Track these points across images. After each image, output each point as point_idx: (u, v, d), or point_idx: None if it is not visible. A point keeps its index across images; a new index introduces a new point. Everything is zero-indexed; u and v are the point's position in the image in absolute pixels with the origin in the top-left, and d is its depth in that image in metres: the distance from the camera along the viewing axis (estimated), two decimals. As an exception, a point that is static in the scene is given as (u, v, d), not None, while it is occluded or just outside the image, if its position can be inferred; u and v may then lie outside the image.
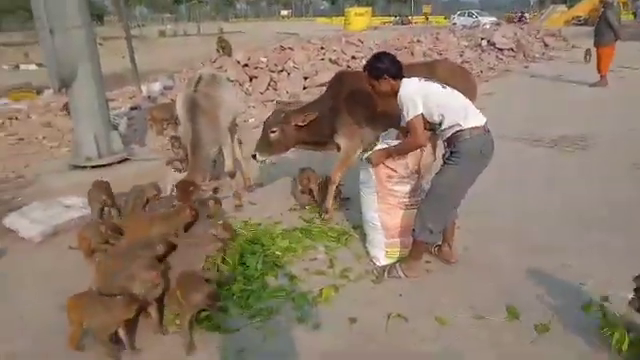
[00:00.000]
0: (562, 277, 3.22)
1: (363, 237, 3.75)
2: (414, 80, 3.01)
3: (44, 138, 6.79)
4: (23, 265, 3.63)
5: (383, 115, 3.81)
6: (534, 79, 11.99)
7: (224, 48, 11.13)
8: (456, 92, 3.03)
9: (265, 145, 4.01)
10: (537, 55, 16.21)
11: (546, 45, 18.31)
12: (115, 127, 5.37)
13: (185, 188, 3.70)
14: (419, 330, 2.76)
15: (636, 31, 20.47)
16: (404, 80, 3.01)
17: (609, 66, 10.40)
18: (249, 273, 3.29)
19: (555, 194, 4.62)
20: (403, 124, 3.14)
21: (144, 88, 10.09)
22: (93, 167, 4.91)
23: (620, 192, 4.59)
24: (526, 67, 13.96)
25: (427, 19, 44.65)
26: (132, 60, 9.31)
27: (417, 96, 2.88)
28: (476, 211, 3.84)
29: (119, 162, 5.10)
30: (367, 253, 3.61)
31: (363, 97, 3.76)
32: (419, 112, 2.88)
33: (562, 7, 41.87)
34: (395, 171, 3.30)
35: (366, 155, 3.36)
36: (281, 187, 5.01)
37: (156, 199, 3.89)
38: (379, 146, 3.35)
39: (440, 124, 2.94)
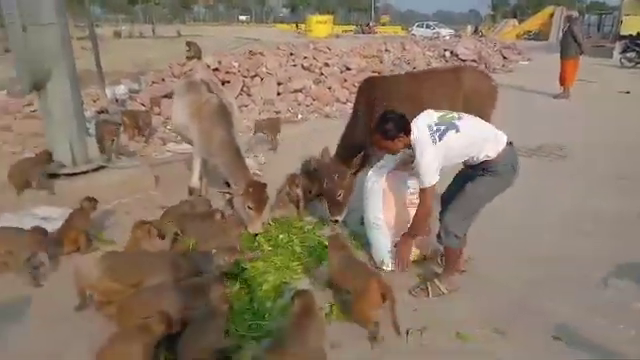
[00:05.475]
0: (569, 287, 3.25)
1: (364, 248, 3.70)
2: (428, 139, 2.80)
3: (4, 143, 6.26)
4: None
5: None
6: (500, 90, 12.35)
7: (195, 52, 10.76)
8: (474, 122, 2.95)
9: (339, 207, 4.05)
10: (497, 67, 16.80)
11: (504, 57, 19.05)
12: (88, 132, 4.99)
13: (261, 188, 3.85)
14: (440, 346, 2.68)
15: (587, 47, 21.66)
16: (419, 141, 2.83)
17: (574, 78, 10.88)
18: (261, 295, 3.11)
19: (544, 203, 4.71)
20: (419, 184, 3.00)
21: (108, 91, 9.56)
22: (67, 175, 4.53)
23: (605, 202, 4.73)
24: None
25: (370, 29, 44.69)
26: (97, 61, 8.78)
27: (436, 161, 2.81)
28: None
29: (95, 170, 4.73)
30: (372, 260, 3.55)
31: None
32: (435, 180, 2.85)
33: (513, 21, 43.95)
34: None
35: (389, 260, 3.40)
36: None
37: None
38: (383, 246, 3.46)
39: (466, 161, 2.95)
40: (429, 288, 3.16)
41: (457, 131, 2.82)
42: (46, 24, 4.21)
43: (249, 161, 5.38)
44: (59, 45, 4.35)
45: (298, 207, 4.34)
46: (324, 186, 4.05)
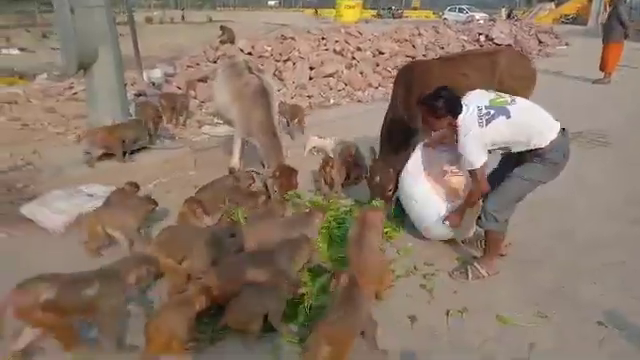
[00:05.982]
0: (614, 273, 3.19)
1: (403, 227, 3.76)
2: (475, 121, 2.77)
3: (49, 124, 6.49)
4: (46, 260, 3.27)
5: None
6: (538, 75, 11.99)
7: (228, 36, 10.84)
8: (528, 108, 2.85)
9: (388, 202, 3.91)
10: (534, 51, 16.28)
11: (540, 42, 18.43)
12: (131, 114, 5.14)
13: (290, 173, 3.94)
14: (481, 328, 2.69)
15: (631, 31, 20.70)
16: (466, 122, 2.80)
17: (616, 63, 10.45)
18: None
19: (587, 189, 4.60)
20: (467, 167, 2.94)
21: (144, 75, 9.77)
22: (110, 154, 4.68)
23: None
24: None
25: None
26: (135, 45, 8.99)
27: (480, 143, 2.78)
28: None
29: (137, 150, 4.88)
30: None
31: None
32: (484, 160, 2.82)
33: (550, 5, 42.31)
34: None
35: (446, 221, 3.22)
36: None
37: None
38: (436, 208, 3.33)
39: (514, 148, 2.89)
40: (469, 271, 3.16)
41: (507, 117, 2.75)
42: (93, 6, 4.33)
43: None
44: (105, 27, 4.48)
45: (336, 190, 4.37)
46: (376, 181, 3.96)
